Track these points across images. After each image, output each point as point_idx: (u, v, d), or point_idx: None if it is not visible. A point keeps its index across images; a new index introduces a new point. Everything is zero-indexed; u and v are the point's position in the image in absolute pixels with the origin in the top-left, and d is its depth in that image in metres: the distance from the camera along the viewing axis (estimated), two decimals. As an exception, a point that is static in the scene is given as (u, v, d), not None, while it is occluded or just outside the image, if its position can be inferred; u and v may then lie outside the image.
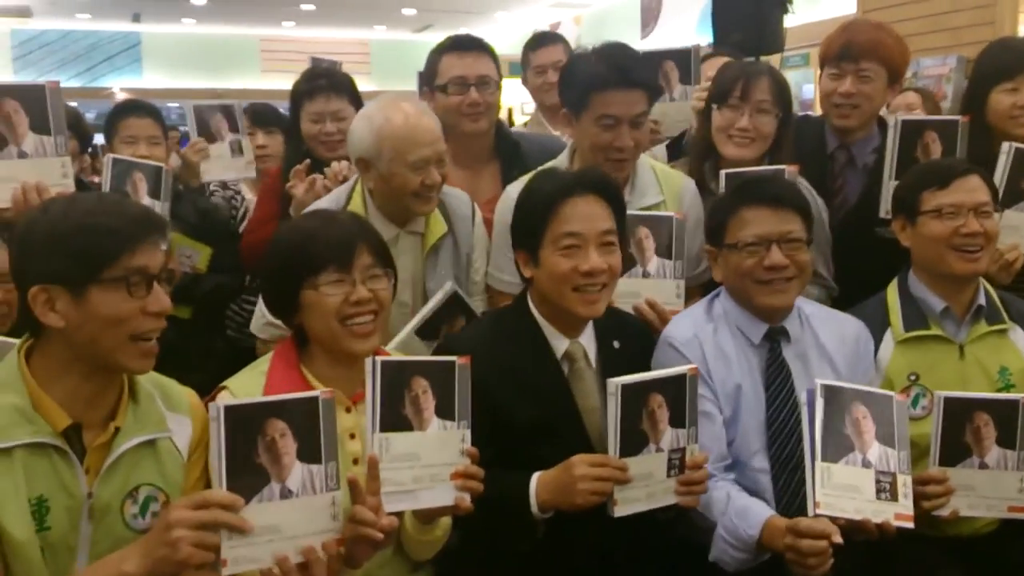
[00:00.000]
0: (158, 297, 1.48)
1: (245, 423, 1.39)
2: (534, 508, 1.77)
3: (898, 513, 1.78)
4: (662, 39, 11.29)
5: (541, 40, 3.65)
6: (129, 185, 2.54)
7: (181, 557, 1.30)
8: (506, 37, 14.42)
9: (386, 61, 14.51)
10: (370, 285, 1.75)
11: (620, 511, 1.74)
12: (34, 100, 2.20)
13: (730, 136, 2.42)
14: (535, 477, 1.79)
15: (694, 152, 2.55)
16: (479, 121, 2.55)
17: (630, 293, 2.22)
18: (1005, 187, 2.34)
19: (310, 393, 1.47)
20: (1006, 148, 2.38)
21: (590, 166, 2.14)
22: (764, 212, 1.99)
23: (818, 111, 3.85)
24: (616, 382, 1.72)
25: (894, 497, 1.79)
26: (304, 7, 13.89)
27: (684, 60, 2.78)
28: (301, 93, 2.89)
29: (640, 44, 12.11)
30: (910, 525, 1.78)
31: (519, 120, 5.70)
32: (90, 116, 14.05)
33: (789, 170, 2.34)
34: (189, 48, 15.07)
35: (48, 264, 1.44)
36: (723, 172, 2.33)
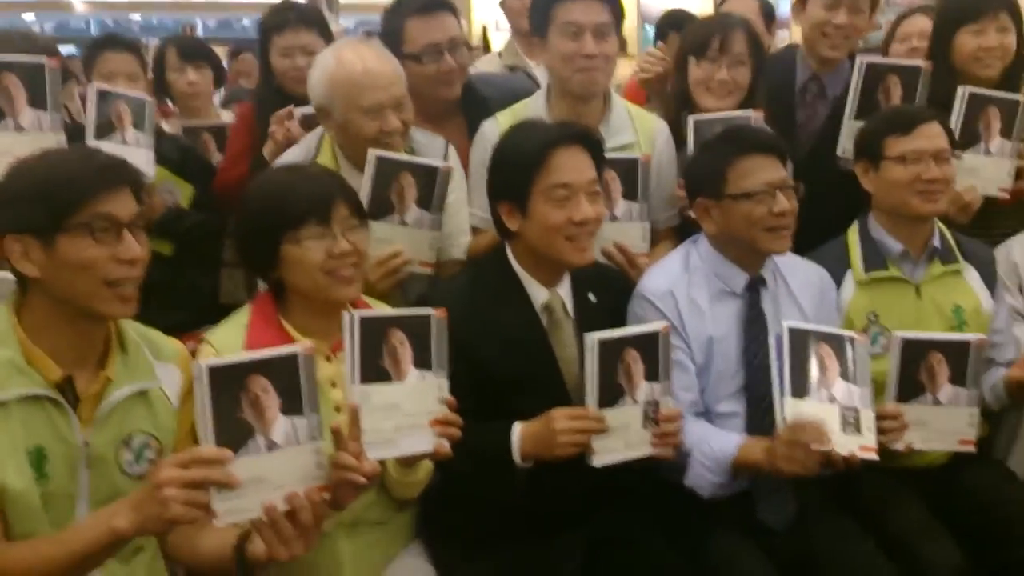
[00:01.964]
0: (129, 245, 1.50)
1: (228, 381, 1.42)
2: (516, 458, 1.85)
3: (862, 445, 1.88)
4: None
5: None
6: (114, 115, 2.50)
7: (171, 515, 1.34)
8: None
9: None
10: (350, 237, 1.78)
11: (599, 460, 1.81)
12: (33, 76, 2.19)
13: (709, 88, 2.45)
14: (516, 429, 1.86)
15: (671, 103, 2.56)
16: (455, 86, 2.51)
17: (596, 237, 2.27)
18: (960, 130, 2.39)
19: (290, 348, 1.51)
20: (961, 93, 2.43)
21: (566, 120, 2.15)
22: (762, 160, 2.02)
23: (795, 31, 3.84)
24: (593, 337, 1.78)
25: (858, 431, 1.89)
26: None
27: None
28: (270, 27, 2.82)
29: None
30: (874, 457, 1.88)
31: (495, 39, 5.57)
32: (48, 27, 13.63)
33: (755, 116, 2.37)
34: (149, -43, 14.48)
35: (17, 214, 1.48)
36: (690, 118, 2.36)
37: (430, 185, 2.17)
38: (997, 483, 2.19)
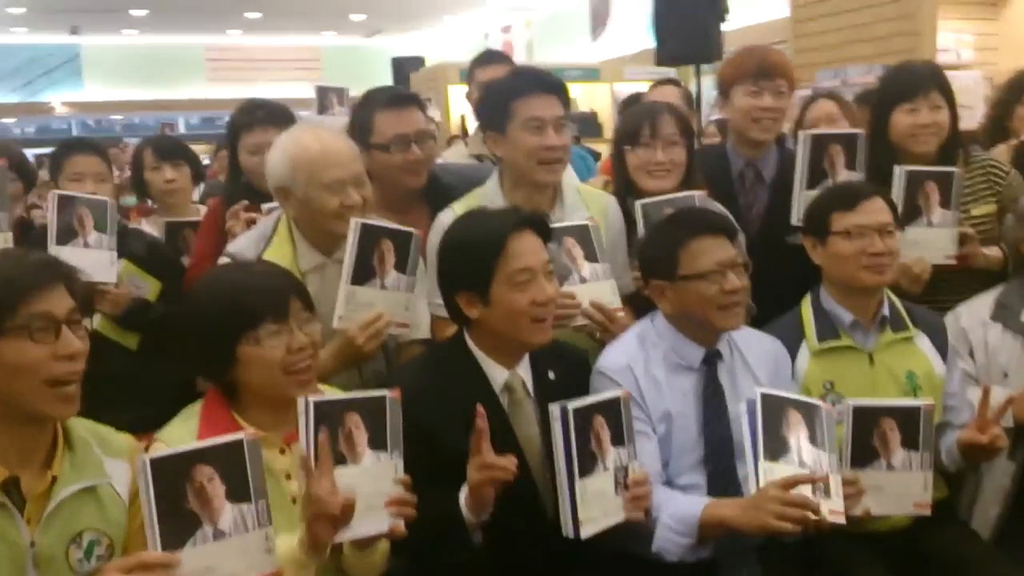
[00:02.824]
0: (68, 341, 1.51)
1: (172, 472, 1.43)
2: (466, 513, 1.85)
3: (832, 510, 1.90)
4: (612, 42, 11.43)
5: (489, 58, 3.71)
6: (75, 220, 2.56)
7: None
8: (455, 41, 14.47)
9: (339, 67, 14.55)
10: (306, 330, 1.81)
11: (585, 532, 1.82)
12: None
13: (649, 172, 2.54)
14: (462, 492, 1.86)
15: (614, 192, 2.64)
16: (420, 176, 2.58)
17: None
18: (903, 207, 2.48)
19: (234, 436, 1.52)
20: (898, 172, 2.53)
21: (516, 207, 2.22)
22: (712, 240, 2.09)
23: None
24: (566, 406, 1.82)
25: (827, 495, 1.91)
26: (249, 15, 13.80)
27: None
28: (239, 125, 2.92)
29: (590, 46, 12.24)
30: (842, 521, 1.90)
31: (472, 126, 5.76)
32: (30, 131, 13.85)
33: (699, 195, 2.47)
34: (131, 59, 14.87)
35: None
36: (638, 203, 2.43)
37: (406, 250, 2.25)
38: (960, 543, 2.20)
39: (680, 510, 1.95)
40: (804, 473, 1.87)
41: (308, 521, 1.53)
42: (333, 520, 1.57)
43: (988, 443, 2.07)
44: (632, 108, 2.78)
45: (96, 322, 2.74)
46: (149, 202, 3.68)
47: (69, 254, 2.47)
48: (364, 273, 2.21)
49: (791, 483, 1.84)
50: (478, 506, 1.84)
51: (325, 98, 3.83)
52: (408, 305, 2.27)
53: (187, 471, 1.45)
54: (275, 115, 2.91)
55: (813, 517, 1.83)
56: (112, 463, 1.65)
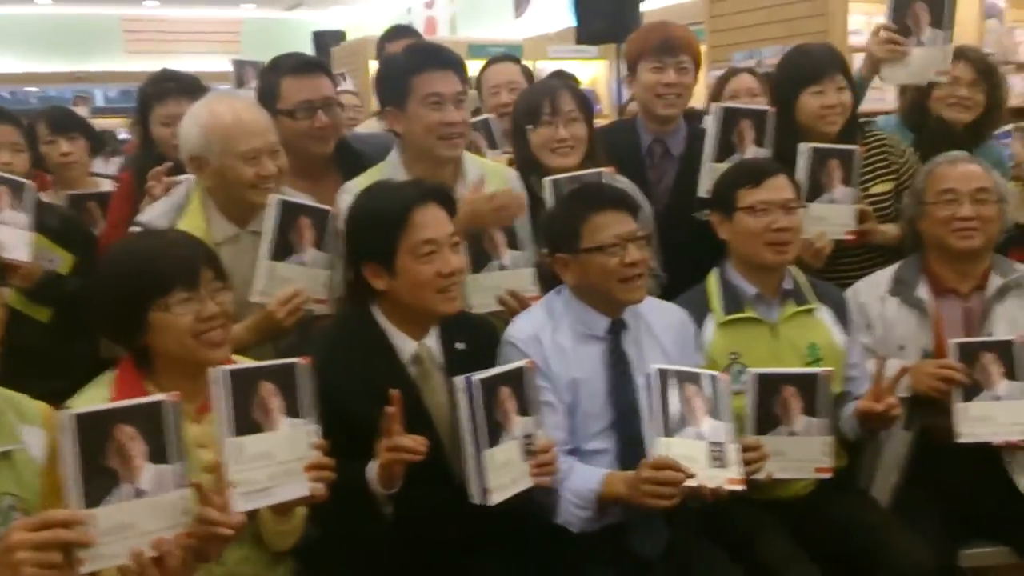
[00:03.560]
0: None
1: (94, 429, 1.45)
2: (375, 487, 1.89)
3: (730, 478, 1.98)
4: (535, 20, 11.44)
5: (398, 32, 3.75)
6: None
7: None
8: (377, 16, 14.30)
9: (259, 40, 14.18)
10: (217, 299, 1.82)
11: (496, 498, 1.86)
12: None
13: (552, 149, 2.58)
14: (373, 466, 1.89)
15: (518, 170, 2.67)
16: (327, 143, 2.58)
17: (491, 287, 2.36)
18: (808, 183, 2.58)
19: (155, 397, 1.55)
20: (803, 150, 2.62)
21: (420, 179, 2.24)
22: (613, 215, 2.14)
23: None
24: (470, 378, 1.86)
25: (724, 464, 1.99)
26: (167, -15, 13.42)
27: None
28: (149, 96, 2.90)
29: (513, 24, 12.22)
30: (742, 488, 1.98)
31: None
32: (-61, 104, 13.24)
33: (606, 172, 2.52)
34: (45, 29, 14.31)
35: None
36: (546, 179, 2.47)
37: (322, 227, 2.29)
38: (859, 511, 2.30)
39: (578, 485, 2.02)
40: (675, 462, 1.92)
41: (199, 539, 1.55)
42: (225, 540, 1.58)
43: (883, 411, 2.17)
44: (530, 87, 2.80)
45: (7, 296, 2.69)
46: (47, 176, 3.60)
47: None
48: (283, 249, 2.24)
49: (661, 465, 1.91)
50: (387, 481, 1.87)
51: (243, 71, 3.80)
52: (325, 281, 2.30)
53: (109, 429, 1.47)
54: (186, 87, 2.91)
55: (692, 485, 1.91)
56: (27, 429, 1.66)
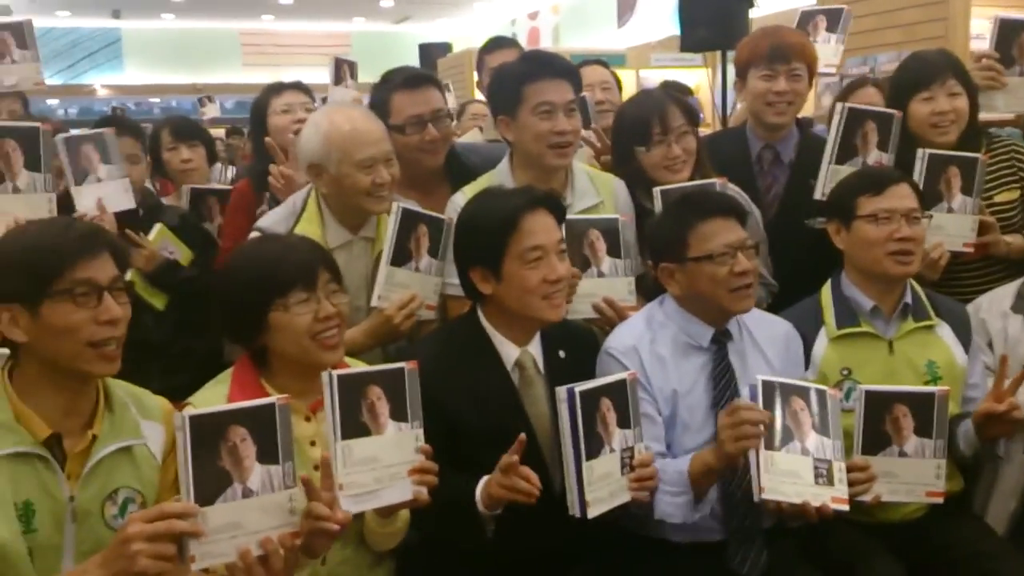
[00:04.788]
0: (108, 306, 1.60)
1: (208, 431, 1.51)
2: (480, 507, 1.90)
3: (834, 497, 1.92)
4: (638, 29, 11.39)
5: (497, 43, 3.77)
6: (82, 159, 2.66)
7: (138, 568, 1.41)
8: (482, 28, 14.48)
9: (367, 53, 14.56)
10: (333, 300, 1.88)
11: (592, 512, 1.85)
12: (29, 140, 2.36)
13: (668, 168, 2.53)
14: (481, 483, 1.90)
15: (627, 181, 2.62)
16: (438, 155, 2.62)
17: (588, 294, 2.35)
18: (924, 190, 2.45)
19: (267, 400, 1.60)
20: (920, 154, 2.51)
21: (530, 186, 2.25)
22: (721, 222, 2.10)
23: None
24: (573, 389, 1.85)
25: (830, 482, 1.93)
26: (282, 0, 13.93)
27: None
28: (266, 96, 3.08)
29: (616, 33, 12.21)
30: (845, 508, 1.92)
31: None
32: (72, 112, 14.09)
33: (720, 182, 2.47)
34: (170, 43, 15.09)
35: (5, 284, 1.58)
36: (657, 190, 2.44)
37: (438, 235, 2.34)
38: (973, 538, 2.19)
39: (670, 471, 2.00)
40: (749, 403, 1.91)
41: (306, 534, 1.58)
42: (332, 536, 1.61)
43: (1005, 412, 2.04)
44: (634, 101, 2.72)
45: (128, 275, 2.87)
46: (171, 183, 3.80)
47: (87, 192, 2.62)
48: (402, 255, 2.30)
49: (735, 408, 1.90)
50: (493, 504, 1.89)
51: (340, 70, 3.92)
52: (436, 289, 2.35)
53: (222, 430, 1.52)
54: (300, 85, 3.12)
55: (797, 503, 1.87)
56: (148, 424, 1.73)
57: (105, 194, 2.67)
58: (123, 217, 2.73)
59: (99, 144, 2.68)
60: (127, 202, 2.73)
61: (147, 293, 2.91)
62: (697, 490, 1.98)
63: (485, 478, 1.91)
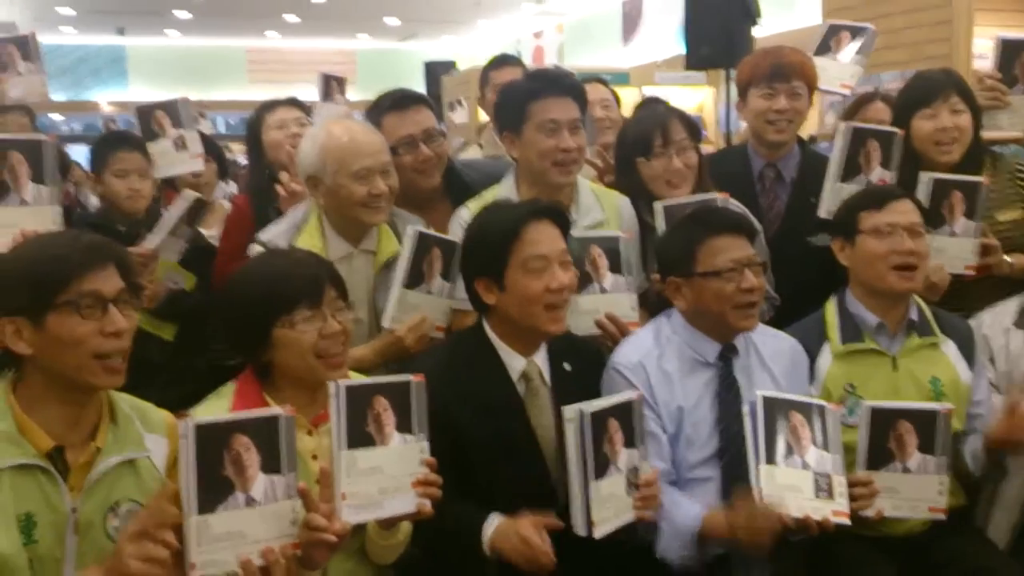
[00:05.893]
0: (114, 318, 1.59)
1: (213, 439, 1.51)
2: (487, 551, 1.89)
3: (835, 510, 1.93)
4: (643, 47, 11.45)
5: (502, 61, 3.78)
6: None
7: (130, 571, 1.42)
8: (487, 46, 14.55)
9: (372, 70, 14.60)
10: (338, 317, 1.87)
11: (599, 532, 1.85)
12: (34, 152, 2.36)
13: (668, 181, 2.54)
14: (493, 521, 1.90)
15: (628, 195, 2.63)
16: (433, 175, 2.62)
17: (590, 310, 2.35)
18: (928, 214, 2.45)
19: (272, 410, 1.60)
20: (924, 179, 2.52)
21: (535, 197, 2.26)
22: (730, 239, 2.11)
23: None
24: (583, 411, 1.85)
25: (831, 496, 1.94)
26: (287, 18, 14.00)
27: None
28: (261, 108, 3.11)
29: (621, 52, 12.27)
30: (847, 522, 1.93)
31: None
32: (77, 128, 14.15)
33: (721, 197, 2.48)
34: (175, 60, 15.16)
35: (9, 297, 1.58)
36: (658, 204, 2.45)
37: (450, 258, 2.35)
38: (974, 552, 2.19)
39: (679, 521, 1.99)
40: (766, 504, 1.90)
41: (304, 545, 1.58)
42: (330, 547, 1.61)
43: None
44: (636, 116, 2.74)
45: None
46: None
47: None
48: (415, 278, 2.31)
49: (751, 507, 1.88)
50: (500, 553, 1.88)
51: (328, 85, 3.90)
52: (446, 310, 2.37)
53: (226, 439, 1.52)
54: (295, 101, 3.15)
55: (798, 516, 1.88)
56: (151, 438, 1.73)
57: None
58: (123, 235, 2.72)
59: (171, 111, 2.80)
60: (198, 165, 2.88)
61: (153, 327, 2.91)
62: (703, 548, 1.98)
63: (495, 522, 1.90)
